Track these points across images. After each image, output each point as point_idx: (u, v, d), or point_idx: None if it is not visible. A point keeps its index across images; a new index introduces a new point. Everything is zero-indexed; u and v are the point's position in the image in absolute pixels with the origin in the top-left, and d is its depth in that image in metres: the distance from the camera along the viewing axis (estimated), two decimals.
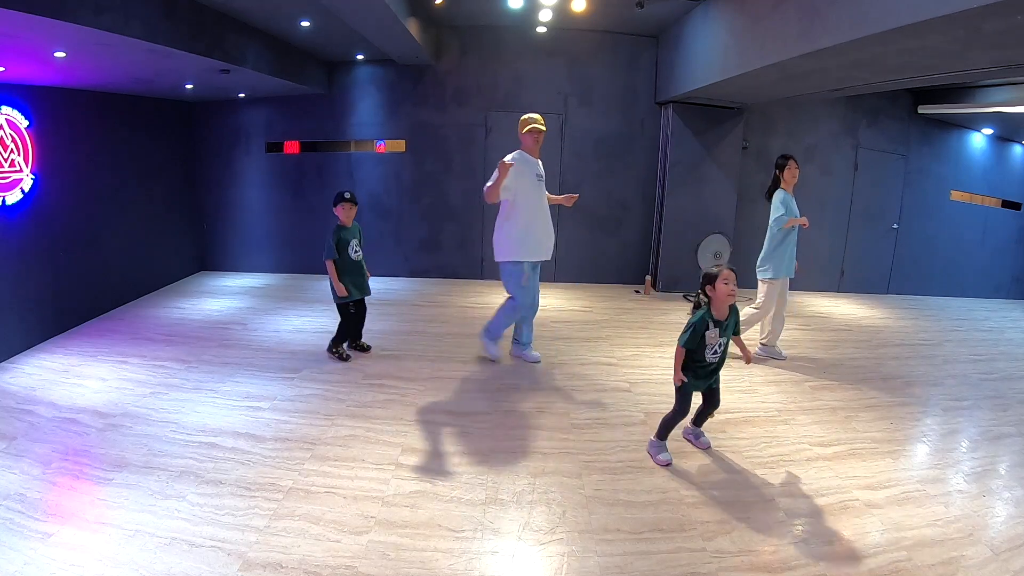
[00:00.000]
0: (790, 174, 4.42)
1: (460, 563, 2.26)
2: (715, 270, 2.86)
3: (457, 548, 2.34)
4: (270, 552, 2.28)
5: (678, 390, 2.98)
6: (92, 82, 4.88)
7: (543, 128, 4.07)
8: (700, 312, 2.86)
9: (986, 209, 7.73)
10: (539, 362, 4.42)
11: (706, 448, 3.17)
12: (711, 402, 3.08)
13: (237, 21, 4.63)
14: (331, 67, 6.76)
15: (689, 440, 3.23)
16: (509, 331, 4.49)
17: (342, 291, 4.16)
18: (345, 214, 4.19)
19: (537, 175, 4.10)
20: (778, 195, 4.44)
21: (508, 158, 3.95)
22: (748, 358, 3.16)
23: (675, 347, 2.89)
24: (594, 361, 4.48)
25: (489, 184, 3.96)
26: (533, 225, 4.10)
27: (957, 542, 2.44)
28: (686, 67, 5.67)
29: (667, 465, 3.00)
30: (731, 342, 3.00)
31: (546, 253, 4.20)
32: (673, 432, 3.10)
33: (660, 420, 3.08)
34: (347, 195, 4.20)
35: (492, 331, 4.37)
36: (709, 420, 3.20)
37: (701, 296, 2.87)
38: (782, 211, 4.38)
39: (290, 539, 2.36)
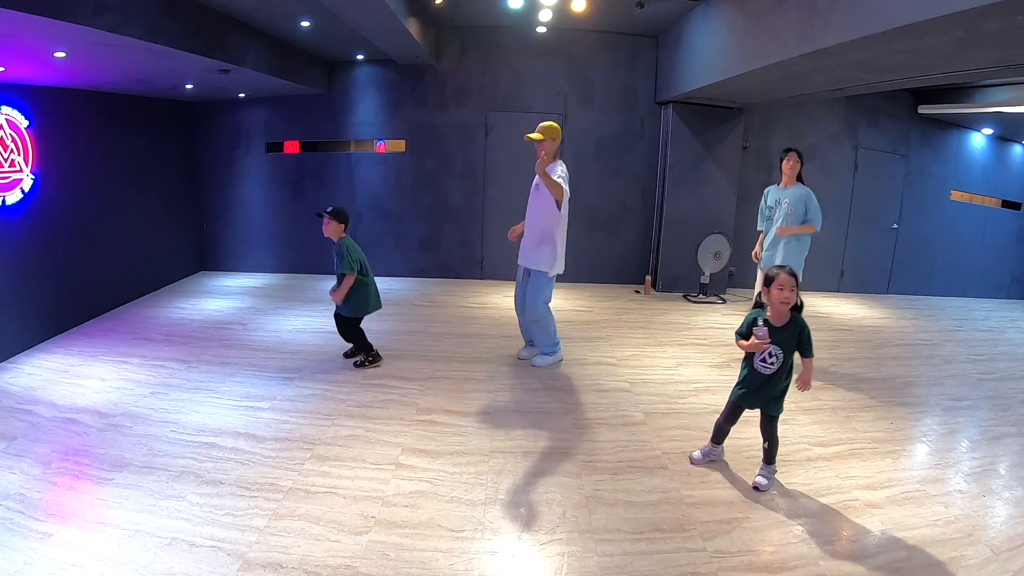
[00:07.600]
0: (787, 166, 4.47)
1: (460, 563, 2.26)
2: (773, 272, 2.71)
3: (457, 548, 2.34)
4: (270, 552, 2.28)
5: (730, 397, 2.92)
6: (92, 82, 4.88)
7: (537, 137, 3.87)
8: (757, 311, 2.80)
9: (986, 209, 7.74)
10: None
11: (756, 488, 2.82)
12: (764, 432, 2.85)
13: (237, 21, 4.63)
14: (331, 67, 6.76)
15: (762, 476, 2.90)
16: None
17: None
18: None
19: (534, 184, 4.05)
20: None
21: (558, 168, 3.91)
22: (803, 383, 2.78)
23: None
24: (594, 361, 4.48)
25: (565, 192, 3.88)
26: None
27: (957, 542, 2.44)
28: (686, 67, 5.66)
29: (694, 464, 3.01)
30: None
31: (523, 259, 4.20)
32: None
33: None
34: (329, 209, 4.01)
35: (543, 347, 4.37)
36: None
37: (762, 296, 2.79)
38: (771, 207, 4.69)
39: (290, 539, 2.36)
